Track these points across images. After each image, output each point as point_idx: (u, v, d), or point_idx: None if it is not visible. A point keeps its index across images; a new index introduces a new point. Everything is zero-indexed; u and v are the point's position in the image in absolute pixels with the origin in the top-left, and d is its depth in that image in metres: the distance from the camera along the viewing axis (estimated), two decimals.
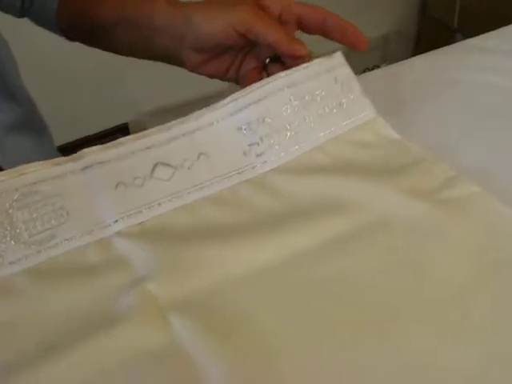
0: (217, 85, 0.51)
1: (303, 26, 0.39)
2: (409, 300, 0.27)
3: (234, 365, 0.25)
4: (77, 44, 0.49)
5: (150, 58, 0.44)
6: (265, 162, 0.34)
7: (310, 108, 0.35)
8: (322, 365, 0.25)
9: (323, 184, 0.33)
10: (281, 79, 0.34)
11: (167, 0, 0.40)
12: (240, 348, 0.25)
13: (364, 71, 0.46)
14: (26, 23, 0.51)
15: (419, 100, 0.44)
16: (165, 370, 0.25)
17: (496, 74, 0.46)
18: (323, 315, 0.27)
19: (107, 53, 0.47)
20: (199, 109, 0.33)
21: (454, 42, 0.53)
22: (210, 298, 0.28)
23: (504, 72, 0.46)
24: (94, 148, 0.31)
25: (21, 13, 0.49)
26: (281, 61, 0.39)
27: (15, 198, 0.29)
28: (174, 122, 0.33)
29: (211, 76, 0.42)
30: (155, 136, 0.32)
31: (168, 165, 0.32)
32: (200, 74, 0.42)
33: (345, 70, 0.37)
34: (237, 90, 0.34)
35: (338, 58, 0.37)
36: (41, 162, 0.30)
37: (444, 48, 0.52)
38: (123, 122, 1.38)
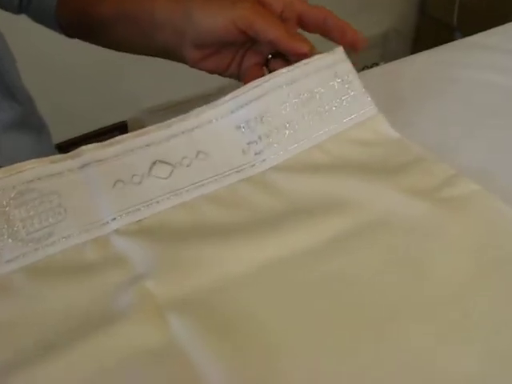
0: (216, 82, 0.51)
1: (303, 24, 0.39)
2: (409, 299, 0.27)
3: (234, 364, 0.25)
4: (75, 41, 0.49)
5: (149, 54, 0.44)
6: (264, 160, 0.34)
7: (309, 106, 0.35)
8: (321, 364, 0.25)
9: (323, 182, 0.33)
10: (280, 77, 0.34)
11: None
12: (239, 347, 0.25)
13: (363, 69, 0.46)
14: (23, 20, 0.51)
15: (419, 98, 0.44)
16: (163, 369, 0.25)
17: (497, 73, 0.45)
18: (323, 314, 0.27)
19: (106, 50, 0.47)
20: (199, 106, 0.33)
21: (453, 40, 0.53)
22: (210, 296, 0.28)
23: (505, 70, 0.46)
24: (92, 146, 0.31)
25: (19, 9, 0.49)
26: (283, 56, 0.39)
27: (12, 195, 0.29)
28: (172, 119, 0.33)
29: (212, 71, 0.42)
30: (154, 134, 0.32)
31: (166, 163, 0.32)
32: (201, 69, 0.41)
33: (346, 66, 0.36)
34: (237, 87, 0.34)
35: (339, 53, 0.36)
36: (38, 160, 0.30)
37: (444, 45, 0.52)
38: (122, 119, 1.38)
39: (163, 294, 0.28)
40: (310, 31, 0.39)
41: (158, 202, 0.31)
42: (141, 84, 1.34)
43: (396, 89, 0.45)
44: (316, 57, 0.35)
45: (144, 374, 0.25)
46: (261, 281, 0.28)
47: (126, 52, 0.45)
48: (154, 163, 0.32)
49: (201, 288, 0.28)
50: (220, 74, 0.42)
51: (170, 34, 0.39)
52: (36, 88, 0.54)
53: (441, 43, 0.52)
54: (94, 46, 0.48)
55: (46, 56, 1.17)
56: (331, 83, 0.36)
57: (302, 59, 0.35)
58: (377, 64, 1.53)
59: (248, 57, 0.41)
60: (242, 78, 0.42)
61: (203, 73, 0.42)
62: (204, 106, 0.33)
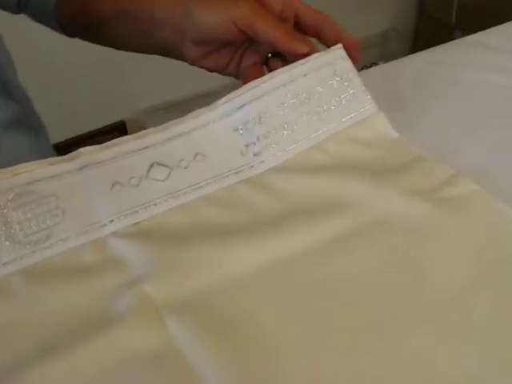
0: (215, 82, 0.51)
1: (301, 26, 0.39)
2: (409, 299, 0.27)
3: (233, 366, 0.25)
4: (74, 40, 0.49)
5: (148, 51, 0.44)
6: (262, 161, 0.34)
7: (307, 105, 0.35)
8: (321, 365, 0.25)
9: (322, 183, 0.33)
10: (278, 77, 0.34)
11: None
12: (239, 348, 0.25)
13: (362, 68, 0.45)
14: (22, 19, 0.51)
15: (419, 98, 0.43)
16: (163, 371, 0.25)
17: (497, 73, 0.45)
18: (323, 315, 0.27)
19: (104, 49, 0.47)
20: (197, 105, 0.33)
21: (452, 39, 0.53)
22: (209, 298, 0.27)
23: (505, 71, 0.46)
24: (90, 148, 0.31)
25: (17, 9, 0.49)
26: (283, 55, 0.39)
27: (10, 198, 0.29)
28: (170, 122, 0.32)
29: (211, 70, 0.42)
30: (151, 136, 0.32)
31: (164, 165, 0.32)
32: (200, 67, 0.42)
33: (345, 64, 0.36)
34: (236, 86, 0.34)
35: (339, 51, 0.36)
36: (36, 162, 0.30)
37: (444, 45, 0.52)
38: (120, 119, 1.38)
39: (161, 296, 0.27)
40: (305, 33, 0.39)
41: (155, 205, 0.31)
42: (140, 83, 1.34)
43: (395, 89, 0.45)
44: (315, 55, 0.35)
45: (143, 376, 0.25)
46: (260, 282, 0.28)
47: (125, 50, 0.45)
48: (152, 165, 0.32)
49: (200, 289, 0.28)
50: (219, 72, 0.42)
51: (170, 32, 0.39)
52: (35, 87, 0.54)
53: (440, 43, 0.52)
54: (92, 46, 0.48)
55: (45, 55, 1.17)
56: (330, 82, 0.35)
57: (301, 58, 0.35)
58: (376, 63, 1.53)
59: (247, 56, 0.41)
60: (241, 76, 0.42)
61: (202, 72, 0.42)
62: (201, 109, 0.33)
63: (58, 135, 1.06)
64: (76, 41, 0.49)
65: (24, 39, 0.95)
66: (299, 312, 0.27)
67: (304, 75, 0.35)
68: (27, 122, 0.48)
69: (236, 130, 0.34)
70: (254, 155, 0.34)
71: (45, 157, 0.30)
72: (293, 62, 0.35)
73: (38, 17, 0.49)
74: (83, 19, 0.44)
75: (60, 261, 0.29)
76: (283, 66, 0.35)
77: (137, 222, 0.31)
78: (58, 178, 0.30)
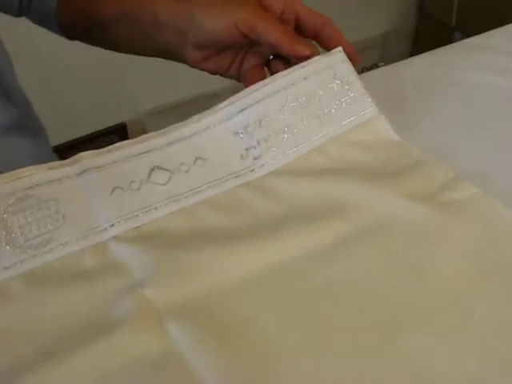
0: (215, 84, 0.51)
1: (301, 28, 0.39)
2: (409, 302, 0.27)
3: (234, 369, 0.25)
4: (75, 43, 0.49)
5: (150, 54, 0.44)
6: (262, 165, 0.34)
7: (308, 109, 0.35)
8: (322, 368, 0.25)
9: (323, 186, 0.33)
10: (278, 80, 0.34)
11: None
12: (239, 352, 0.25)
13: (362, 70, 0.45)
14: (23, 22, 0.51)
15: (419, 101, 0.43)
16: (163, 376, 0.25)
17: (497, 75, 0.45)
18: (323, 318, 0.27)
19: (105, 51, 0.47)
20: (198, 108, 0.33)
21: (453, 41, 0.53)
22: (209, 301, 0.27)
23: (505, 72, 0.46)
24: (91, 152, 0.31)
25: (19, 12, 0.49)
26: (284, 57, 0.39)
27: (10, 202, 0.29)
28: (171, 126, 0.32)
29: (213, 72, 0.42)
30: (152, 141, 0.32)
31: (165, 169, 0.32)
32: (201, 69, 0.42)
33: (345, 67, 0.36)
34: (237, 89, 0.34)
35: (339, 54, 0.36)
36: (36, 166, 0.30)
37: (443, 47, 0.52)
38: (121, 121, 1.38)
39: (162, 300, 0.27)
40: (307, 36, 0.39)
41: (156, 209, 0.31)
42: (140, 86, 1.34)
43: (396, 91, 0.45)
44: (315, 58, 0.35)
45: (144, 380, 0.25)
46: (261, 285, 0.28)
47: (126, 53, 0.45)
48: (153, 170, 0.32)
49: (200, 293, 0.28)
50: (221, 75, 0.42)
51: (172, 35, 0.40)
52: (35, 90, 0.54)
53: (440, 44, 0.52)
54: (93, 48, 0.48)
55: (46, 58, 1.17)
56: (330, 85, 0.35)
57: (303, 60, 0.35)
58: (376, 65, 1.53)
59: (248, 58, 0.41)
60: (242, 78, 0.42)
61: (202, 74, 0.42)
62: (202, 113, 0.33)
63: (58, 137, 1.07)
64: (76, 43, 0.49)
65: (24, 41, 0.95)
66: (300, 315, 0.27)
67: (304, 78, 0.35)
68: (26, 125, 0.48)
69: (236, 133, 0.34)
70: (255, 159, 0.34)
71: (44, 160, 0.31)
72: (295, 63, 0.35)
73: (40, 19, 0.49)
74: (84, 22, 0.44)
75: (60, 265, 0.29)
76: (284, 67, 0.35)
77: (137, 226, 0.31)
78: (59, 182, 0.30)
